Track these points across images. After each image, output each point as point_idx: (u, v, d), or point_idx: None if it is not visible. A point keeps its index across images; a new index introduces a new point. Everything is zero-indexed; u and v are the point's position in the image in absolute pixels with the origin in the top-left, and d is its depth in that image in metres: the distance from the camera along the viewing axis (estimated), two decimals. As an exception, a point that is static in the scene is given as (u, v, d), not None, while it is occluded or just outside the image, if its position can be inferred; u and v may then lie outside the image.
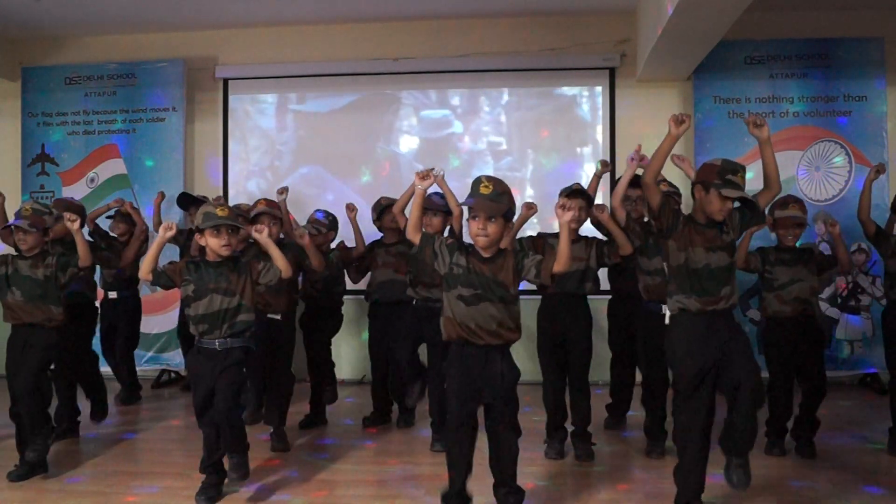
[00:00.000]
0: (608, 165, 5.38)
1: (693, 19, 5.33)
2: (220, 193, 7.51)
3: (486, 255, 3.59)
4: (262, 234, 4.17)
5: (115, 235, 6.27)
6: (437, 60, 7.40)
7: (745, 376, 3.57)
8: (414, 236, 3.70)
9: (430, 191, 4.01)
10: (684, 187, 5.25)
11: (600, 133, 7.28)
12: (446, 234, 4.92)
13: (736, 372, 3.59)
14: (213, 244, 4.01)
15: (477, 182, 3.59)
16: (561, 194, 4.76)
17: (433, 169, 4.54)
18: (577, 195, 4.72)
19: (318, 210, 5.90)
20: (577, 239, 4.75)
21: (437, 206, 4.82)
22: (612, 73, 7.26)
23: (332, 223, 5.76)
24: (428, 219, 4.77)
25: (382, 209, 5.58)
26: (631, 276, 4.99)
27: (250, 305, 4.10)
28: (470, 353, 3.60)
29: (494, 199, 3.51)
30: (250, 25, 7.50)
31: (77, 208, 5.28)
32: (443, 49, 7.40)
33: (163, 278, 4.08)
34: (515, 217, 3.93)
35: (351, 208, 5.77)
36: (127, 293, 6.42)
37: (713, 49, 6.21)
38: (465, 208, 3.68)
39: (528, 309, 6.99)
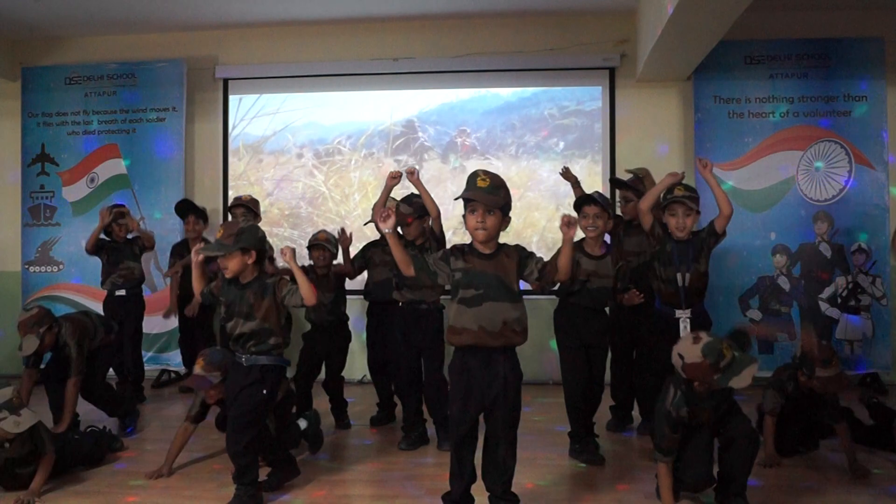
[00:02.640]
0: (569, 175, 5.70)
1: (693, 19, 5.32)
2: (220, 193, 7.53)
3: (486, 251, 3.53)
4: (286, 256, 4.02)
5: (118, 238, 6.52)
6: (436, 60, 7.41)
7: (741, 431, 3.84)
8: (407, 270, 3.63)
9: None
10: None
11: (600, 133, 7.27)
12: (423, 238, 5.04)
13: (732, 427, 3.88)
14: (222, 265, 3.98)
15: (473, 176, 3.53)
16: (576, 205, 4.86)
17: (406, 172, 4.90)
18: (591, 203, 4.75)
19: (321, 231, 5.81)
20: (603, 255, 4.77)
21: (406, 213, 4.86)
22: (612, 73, 7.26)
23: (335, 243, 5.73)
24: (403, 230, 4.89)
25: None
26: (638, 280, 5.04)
27: (275, 327, 3.98)
28: (473, 355, 3.52)
29: (492, 192, 3.47)
30: (250, 25, 7.50)
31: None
32: (442, 49, 7.40)
33: (210, 297, 4.09)
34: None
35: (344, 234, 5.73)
36: (134, 291, 6.53)
37: (713, 49, 6.21)
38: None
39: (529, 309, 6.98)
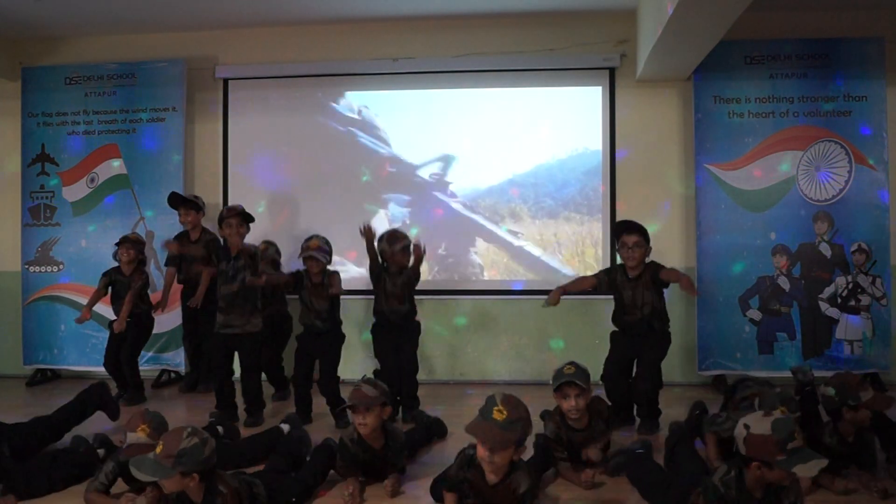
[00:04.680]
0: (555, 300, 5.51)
1: (693, 19, 5.31)
2: (220, 194, 7.54)
3: (493, 479, 3.42)
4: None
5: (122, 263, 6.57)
6: (436, 60, 7.40)
7: None
8: None
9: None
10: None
11: (600, 133, 7.26)
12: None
13: None
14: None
15: (491, 403, 3.34)
16: (614, 232, 5.48)
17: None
18: (631, 231, 5.32)
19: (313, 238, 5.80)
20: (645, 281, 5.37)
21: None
22: (612, 73, 7.25)
23: (328, 250, 5.77)
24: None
25: (403, 247, 5.78)
26: None
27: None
28: None
29: (507, 427, 3.28)
30: (250, 25, 7.49)
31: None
32: (442, 49, 7.40)
33: None
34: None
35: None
36: (138, 312, 6.56)
37: (713, 49, 6.19)
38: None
39: (525, 308, 6.99)
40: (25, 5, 6.82)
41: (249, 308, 5.70)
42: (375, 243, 5.73)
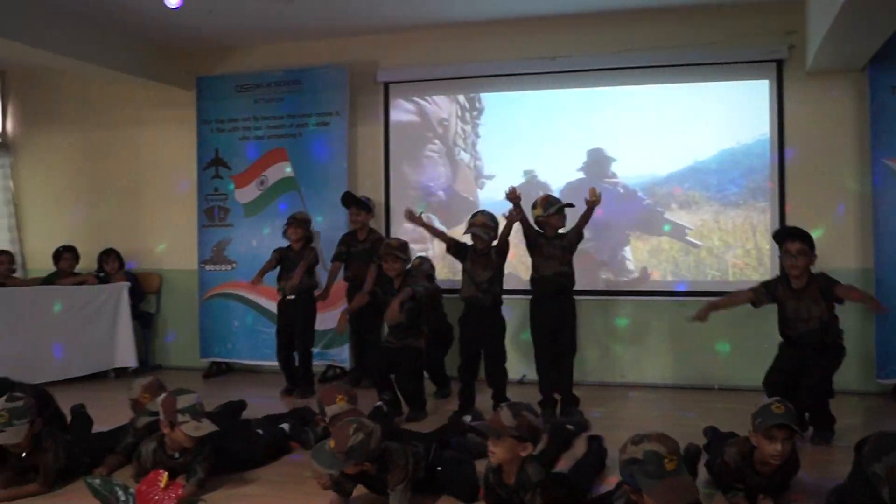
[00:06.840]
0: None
1: (868, 6, 5.02)
2: (382, 196, 7.73)
3: None
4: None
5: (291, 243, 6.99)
6: (594, 58, 7.31)
7: None
8: None
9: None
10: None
11: (768, 128, 6.98)
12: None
13: None
14: None
15: (655, 458, 2.77)
16: (776, 238, 5.21)
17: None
18: (794, 238, 5.02)
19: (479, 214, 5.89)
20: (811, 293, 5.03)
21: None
22: (780, 65, 6.96)
23: (494, 227, 5.82)
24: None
25: (557, 210, 5.78)
26: None
27: None
28: None
29: (684, 472, 2.87)
30: (409, 29, 7.64)
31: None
32: (600, 46, 7.30)
33: None
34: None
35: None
36: (303, 297, 6.92)
37: (890, 37, 5.83)
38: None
39: (689, 310, 6.85)
40: (200, 17, 7.20)
41: (413, 332, 5.88)
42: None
